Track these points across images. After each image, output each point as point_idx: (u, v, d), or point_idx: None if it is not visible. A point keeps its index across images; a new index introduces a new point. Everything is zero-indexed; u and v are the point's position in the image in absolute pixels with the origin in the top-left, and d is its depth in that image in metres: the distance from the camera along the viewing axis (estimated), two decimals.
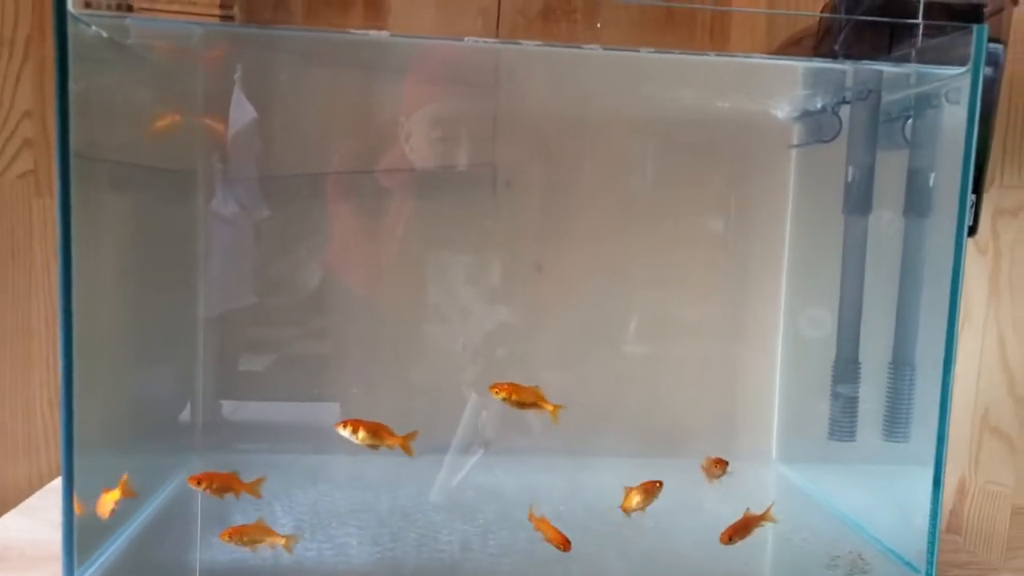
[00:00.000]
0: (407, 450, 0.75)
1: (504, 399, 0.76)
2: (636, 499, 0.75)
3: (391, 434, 0.75)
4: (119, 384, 0.83)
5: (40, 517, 0.85)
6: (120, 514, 0.76)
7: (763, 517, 0.76)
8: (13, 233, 1.01)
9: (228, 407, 0.99)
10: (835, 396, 0.84)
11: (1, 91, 0.99)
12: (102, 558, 0.72)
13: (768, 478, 1.03)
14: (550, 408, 0.78)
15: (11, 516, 0.85)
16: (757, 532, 0.83)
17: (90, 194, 0.70)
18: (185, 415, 0.97)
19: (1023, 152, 1.05)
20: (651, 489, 0.76)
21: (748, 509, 0.77)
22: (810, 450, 1.00)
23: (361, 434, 0.74)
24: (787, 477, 1.03)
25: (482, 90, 1.02)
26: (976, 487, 1.08)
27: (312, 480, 0.92)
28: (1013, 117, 1.05)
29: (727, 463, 0.78)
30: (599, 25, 0.92)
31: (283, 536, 0.72)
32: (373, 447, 0.74)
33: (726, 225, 1.06)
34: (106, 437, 0.80)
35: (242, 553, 0.74)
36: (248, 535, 0.71)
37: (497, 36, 1.13)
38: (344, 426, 0.74)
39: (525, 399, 0.77)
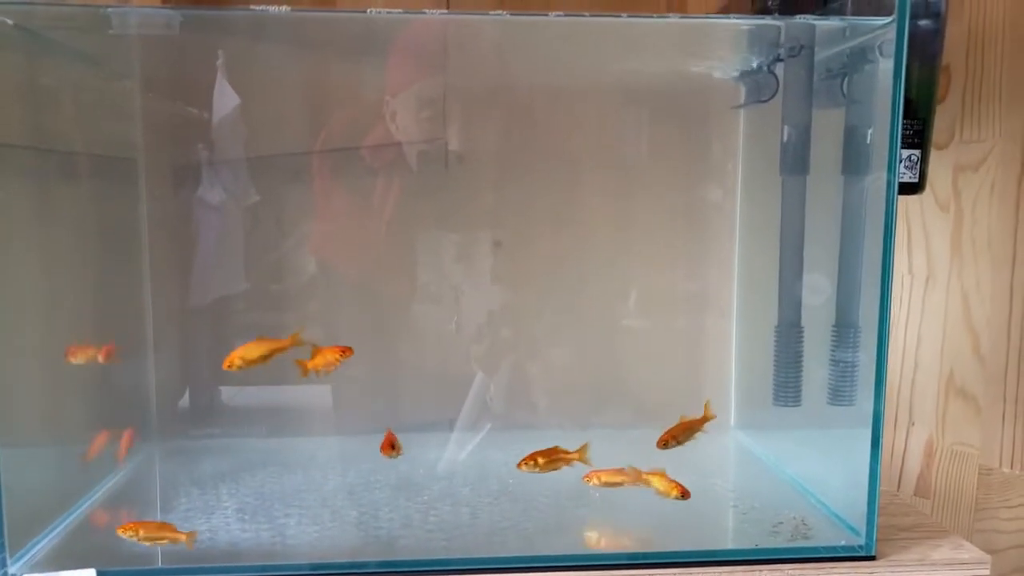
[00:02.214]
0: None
1: (241, 367, 0.72)
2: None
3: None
4: (63, 374, 0.84)
5: None
6: (69, 496, 0.79)
7: (704, 419, 0.76)
8: None
9: (182, 394, 1.00)
10: (777, 362, 0.82)
11: None
12: (46, 539, 0.73)
13: (725, 445, 1.02)
14: (288, 343, 0.73)
15: None
16: (705, 499, 0.83)
17: (7, 182, 0.69)
18: (139, 403, 0.97)
19: (983, 106, 1.02)
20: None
21: (683, 416, 0.77)
22: (767, 417, 0.99)
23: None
24: (743, 444, 1.02)
25: (432, 65, 1.01)
26: (943, 449, 1.06)
27: (264, 463, 0.93)
28: (973, 70, 1.02)
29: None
30: None
31: (184, 533, 0.71)
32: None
33: (680, 192, 1.04)
34: (47, 426, 0.81)
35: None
36: (147, 531, 0.70)
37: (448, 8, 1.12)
38: None
39: (261, 354, 0.72)
